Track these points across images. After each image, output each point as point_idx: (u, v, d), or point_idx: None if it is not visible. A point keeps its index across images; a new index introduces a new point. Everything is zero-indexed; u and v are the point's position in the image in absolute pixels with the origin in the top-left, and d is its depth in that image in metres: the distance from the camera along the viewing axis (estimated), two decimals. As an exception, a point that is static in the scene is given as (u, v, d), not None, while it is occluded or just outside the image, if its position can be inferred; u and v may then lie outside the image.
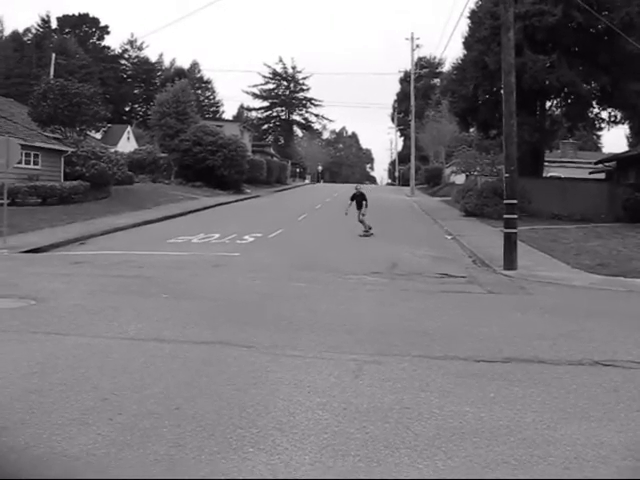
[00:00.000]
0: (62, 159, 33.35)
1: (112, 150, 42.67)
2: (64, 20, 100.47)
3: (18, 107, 46.98)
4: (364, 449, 4.81)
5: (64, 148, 33.60)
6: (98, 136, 53.44)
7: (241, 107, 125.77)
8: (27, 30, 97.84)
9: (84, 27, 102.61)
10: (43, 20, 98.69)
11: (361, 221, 23.58)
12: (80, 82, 41.75)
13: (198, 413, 5.46)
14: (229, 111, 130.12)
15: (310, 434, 5.06)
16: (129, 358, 7.17)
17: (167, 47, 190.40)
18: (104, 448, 4.73)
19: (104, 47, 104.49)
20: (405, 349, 7.79)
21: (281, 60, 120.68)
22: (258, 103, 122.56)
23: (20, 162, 25.45)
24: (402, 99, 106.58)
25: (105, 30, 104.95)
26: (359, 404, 5.76)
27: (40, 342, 7.80)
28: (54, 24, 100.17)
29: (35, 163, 31.44)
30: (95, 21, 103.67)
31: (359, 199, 23.90)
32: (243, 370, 6.77)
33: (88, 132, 39.96)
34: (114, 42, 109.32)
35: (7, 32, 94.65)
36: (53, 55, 61.74)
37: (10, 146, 19.42)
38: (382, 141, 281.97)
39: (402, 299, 11.81)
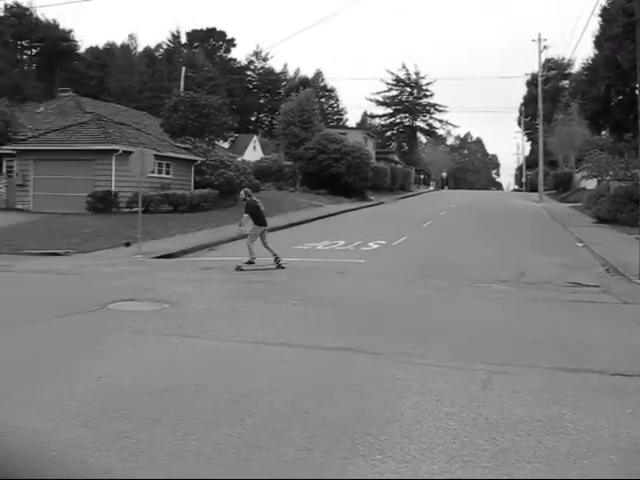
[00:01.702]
0: (192, 168, 34.59)
1: (239, 159, 43.79)
2: (193, 35, 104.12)
3: (151, 119, 49.16)
4: (494, 461, 4.69)
5: (194, 158, 34.82)
6: (226, 145, 55.04)
7: (364, 114, 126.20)
8: (158, 46, 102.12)
9: (211, 41, 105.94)
10: (173, 35, 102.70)
11: None
12: (208, 94, 43.16)
13: (326, 418, 5.49)
14: (352, 119, 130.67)
15: (438, 443, 4.99)
16: (258, 362, 7.32)
17: (291, 57, 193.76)
18: (234, 448, 4.83)
19: (231, 59, 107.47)
20: (536, 360, 7.55)
21: (404, 66, 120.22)
22: (381, 110, 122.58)
23: (153, 172, 26.56)
24: (529, 102, 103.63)
25: (231, 43, 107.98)
26: (488, 415, 5.63)
27: (174, 344, 8.11)
28: (183, 39, 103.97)
29: (167, 172, 32.73)
30: (222, 35, 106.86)
31: None
32: (370, 377, 6.77)
33: (216, 142, 41.19)
34: (240, 54, 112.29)
35: (140, 48, 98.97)
36: (183, 69, 64.12)
37: (145, 156, 20.33)
38: (508, 146, 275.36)
39: (531, 309, 11.48)
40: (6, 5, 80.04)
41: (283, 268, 16.15)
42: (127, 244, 20.58)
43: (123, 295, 11.53)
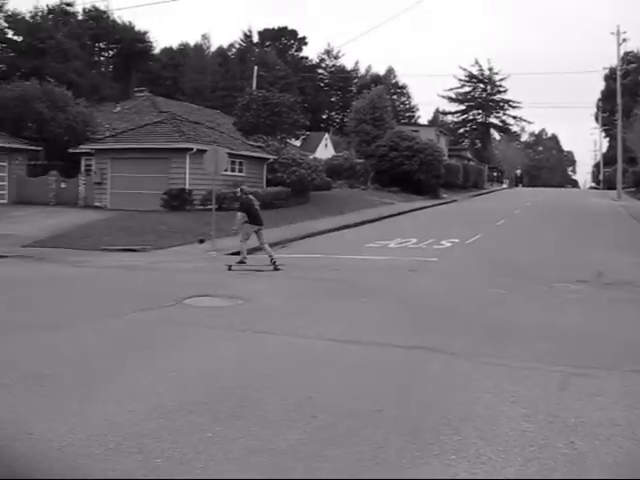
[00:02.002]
0: (264, 166, 34.92)
1: (311, 157, 43.99)
2: (265, 34, 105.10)
3: (224, 118, 49.81)
4: (572, 465, 4.58)
5: (266, 156, 35.14)
6: (297, 144, 55.37)
7: (437, 111, 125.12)
8: (231, 45, 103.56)
9: (283, 39, 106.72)
10: (245, 35, 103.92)
11: None
12: (280, 92, 43.48)
13: (400, 416, 5.47)
14: (424, 116, 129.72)
15: (515, 445, 4.90)
16: (330, 359, 7.35)
17: (363, 54, 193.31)
18: (310, 444, 4.86)
19: (302, 58, 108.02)
20: (615, 362, 7.33)
21: (477, 62, 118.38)
22: (454, 107, 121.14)
23: (226, 170, 26.89)
24: (607, 97, 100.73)
25: (303, 41, 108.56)
26: (566, 417, 5.49)
27: (247, 340, 8.21)
28: (255, 38, 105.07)
29: (240, 170, 33.13)
30: (293, 33, 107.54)
31: None
32: (445, 376, 6.70)
33: (288, 140, 41.45)
34: (311, 52, 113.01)
35: (213, 48, 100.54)
36: (255, 68, 64.74)
37: (219, 155, 20.63)
38: (585, 143, 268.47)
39: (610, 310, 11.17)
40: (84, 9, 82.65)
41: (278, 270, 15.39)
42: (201, 241, 20.91)
43: (198, 291, 11.73)
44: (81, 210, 30.57)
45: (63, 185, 34.45)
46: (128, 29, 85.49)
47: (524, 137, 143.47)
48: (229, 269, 15.36)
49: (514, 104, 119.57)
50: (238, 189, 17.78)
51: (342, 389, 6.21)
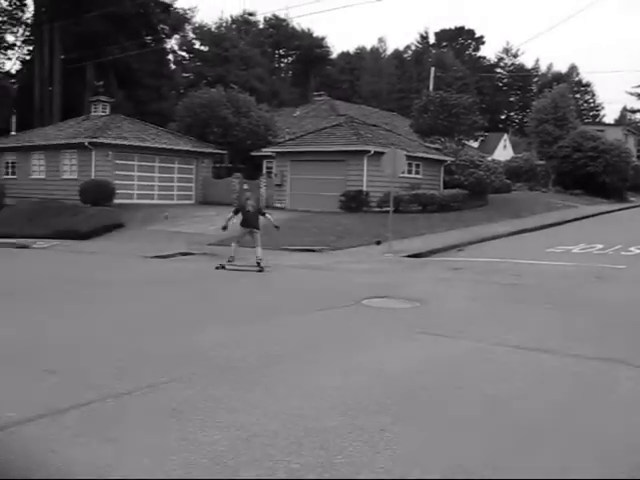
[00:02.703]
0: (442, 168, 34.61)
1: (489, 158, 43.12)
2: (441, 35, 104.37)
3: (400, 120, 50.02)
4: None
5: (443, 158, 34.82)
6: (475, 145, 54.50)
7: (624, 109, 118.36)
8: (407, 47, 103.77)
9: (460, 39, 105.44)
10: (422, 36, 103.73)
11: None
12: (458, 93, 42.97)
13: (583, 430, 5.20)
14: (610, 114, 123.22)
15: None
16: (513, 366, 7.12)
17: (543, 52, 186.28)
18: (494, 453, 4.72)
19: (479, 57, 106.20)
20: None
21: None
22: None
23: (404, 172, 26.90)
24: None
25: (480, 41, 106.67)
26: None
27: (427, 342, 8.14)
28: (432, 39, 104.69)
29: (416, 172, 33.04)
30: (470, 33, 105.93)
31: None
32: (636, 392, 6.30)
33: (466, 141, 40.89)
34: (489, 52, 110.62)
35: (389, 51, 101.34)
36: (432, 69, 64.30)
37: (397, 157, 20.68)
38: None
39: None
40: (265, 18, 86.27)
41: (261, 271, 15.62)
42: (378, 242, 21.07)
43: (376, 292, 11.82)
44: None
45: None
46: (307, 35, 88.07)
47: None
48: (221, 267, 16.00)
49: None
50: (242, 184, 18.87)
51: (524, 397, 6.01)
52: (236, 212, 17.16)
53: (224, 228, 17.06)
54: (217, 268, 15.98)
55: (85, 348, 7.53)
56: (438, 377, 6.62)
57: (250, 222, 16.91)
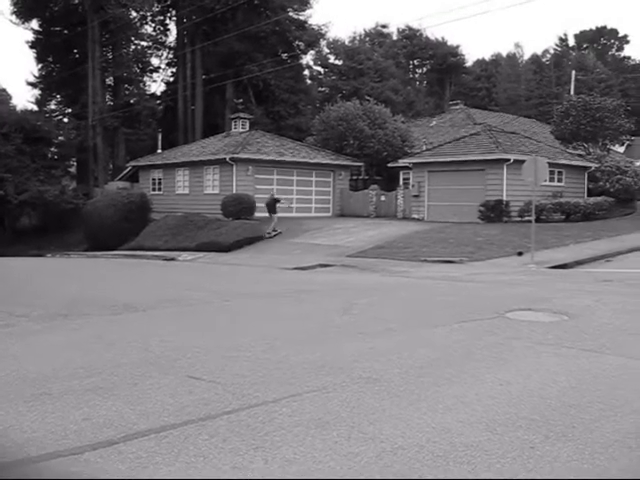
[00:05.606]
0: (585, 175, 33.36)
1: (637, 164, 41.14)
2: (581, 36, 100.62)
3: (539, 127, 48.64)
4: None
5: (587, 164, 33.58)
6: (621, 150, 52.08)
7: None
8: (545, 51, 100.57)
9: (602, 40, 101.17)
10: (560, 39, 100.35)
11: None
12: (601, 96, 41.30)
13: None
14: None
15: None
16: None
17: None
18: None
19: (624, 58, 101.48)
20: None
21: None
22: None
23: (545, 180, 26.13)
24: None
25: (624, 40, 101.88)
26: None
27: (575, 358, 7.82)
28: (571, 41, 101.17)
29: (559, 180, 32.04)
30: (613, 32, 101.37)
31: None
32: None
33: (611, 146, 39.25)
34: (634, 51, 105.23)
35: (526, 56, 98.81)
36: (572, 72, 62.22)
37: (538, 165, 20.12)
38: None
39: None
40: (398, 29, 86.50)
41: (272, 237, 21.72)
42: (519, 253, 20.56)
43: (519, 304, 11.51)
44: (400, 222, 31.74)
45: (383, 198, 36.11)
46: (441, 44, 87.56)
47: None
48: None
49: None
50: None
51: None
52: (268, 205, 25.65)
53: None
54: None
55: (232, 358, 7.75)
56: (587, 394, 6.33)
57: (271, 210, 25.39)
